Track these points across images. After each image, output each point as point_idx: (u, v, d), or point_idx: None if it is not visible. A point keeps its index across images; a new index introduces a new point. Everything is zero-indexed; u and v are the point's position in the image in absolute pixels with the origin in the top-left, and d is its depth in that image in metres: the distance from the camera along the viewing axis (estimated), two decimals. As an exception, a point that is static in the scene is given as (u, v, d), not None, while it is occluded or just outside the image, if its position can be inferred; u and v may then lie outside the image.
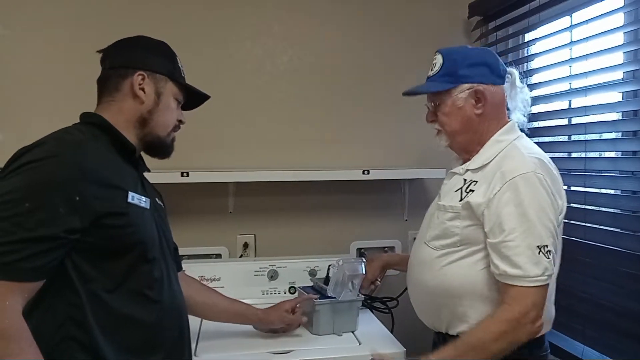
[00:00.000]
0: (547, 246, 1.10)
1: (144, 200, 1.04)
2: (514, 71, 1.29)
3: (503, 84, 1.27)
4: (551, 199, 1.12)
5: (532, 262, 1.09)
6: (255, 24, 1.97)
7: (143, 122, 1.09)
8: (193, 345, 1.36)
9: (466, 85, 1.23)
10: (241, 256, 1.96)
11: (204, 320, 1.44)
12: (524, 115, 1.31)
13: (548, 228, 1.11)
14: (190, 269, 1.72)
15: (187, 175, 1.79)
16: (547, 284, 1.11)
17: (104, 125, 1.05)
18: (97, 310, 0.95)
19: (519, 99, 1.29)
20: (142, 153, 1.16)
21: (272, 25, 1.99)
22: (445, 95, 1.25)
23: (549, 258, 1.09)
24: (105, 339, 0.95)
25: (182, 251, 1.84)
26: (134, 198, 1.01)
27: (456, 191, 1.24)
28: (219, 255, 1.94)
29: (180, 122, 1.17)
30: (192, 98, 1.20)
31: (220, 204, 1.97)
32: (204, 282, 1.73)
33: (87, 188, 0.92)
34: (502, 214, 1.12)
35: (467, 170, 1.25)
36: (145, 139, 1.11)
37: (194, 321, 1.53)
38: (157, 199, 1.17)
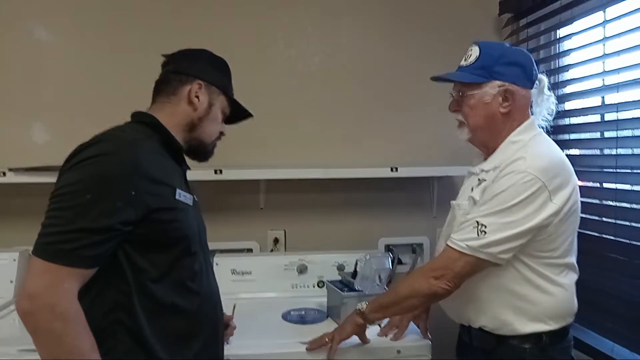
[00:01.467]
0: (485, 226, 1.14)
1: (189, 197, 1.10)
2: (544, 78, 1.29)
3: (532, 88, 1.27)
4: (530, 201, 1.13)
5: (464, 231, 1.17)
6: (288, 26, 2.02)
7: (192, 127, 1.16)
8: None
9: (498, 82, 1.23)
10: (272, 251, 2.02)
11: (237, 307, 1.49)
12: (546, 122, 1.31)
13: (502, 219, 1.14)
14: (223, 263, 1.81)
15: (221, 173, 1.85)
16: (469, 255, 1.15)
17: (156, 125, 1.11)
18: (143, 298, 1.00)
19: (544, 107, 1.30)
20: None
21: (305, 27, 2.04)
22: (475, 88, 1.24)
23: (479, 235, 1.14)
24: (149, 326, 1.00)
25: (214, 246, 1.94)
26: (181, 195, 1.07)
27: (471, 190, 1.26)
28: (250, 250, 2.00)
29: (222, 133, 1.25)
30: (235, 114, 1.28)
31: (251, 200, 2.04)
32: (237, 275, 1.79)
33: (142, 184, 0.97)
34: (483, 196, 1.19)
35: (482, 170, 1.27)
36: (190, 142, 1.18)
37: (228, 308, 1.61)
38: (194, 196, 1.23)
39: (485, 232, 1.14)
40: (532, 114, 1.29)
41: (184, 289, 1.07)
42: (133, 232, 0.97)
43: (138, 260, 1.00)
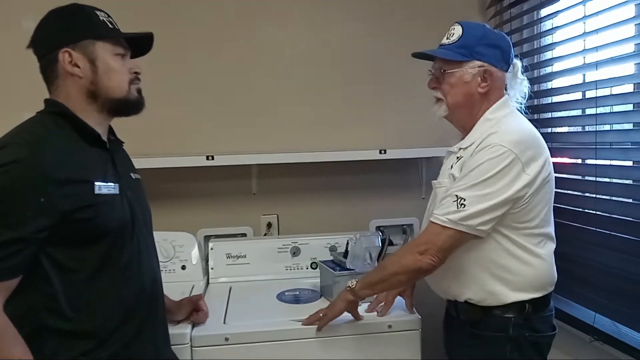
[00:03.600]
0: (464, 199, 1.18)
1: (112, 186, 1.05)
2: (518, 62, 1.34)
3: (507, 71, 1.31)
4: (505, 173, 1.17)
5: (444, 206, 1.21)
6: (274, 11, 2.03)
7: (93, 95, 1.05)
8: (223, 312, 1.48)
9: (478, 63, 1.26)
10: (265, 235, 2.06)
11: (232, 289, 1.53)
12: (519, 105, 1.35)
13: (480, 191, 1.18)
14: (218, 247, 1.85)
15: (212, 159, 1.88)
16: (450, 228, 1.19)
17: (66, 113, 1.04)
18: (71, 296, 0.99)
19: (517, 90, 1.34)
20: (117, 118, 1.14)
21: (293, 11, 2.05)
22: (455, 66, 1.27)
23: (459, 208, 1.18)
24: (77, 323, 1.00)
25: (209, 231, 1.99)
26: (101, 188, 1.02)
27: (450, 168, 1.30)
28: (244, 235, 2.04)
29: (136, 73, 1.11)
30: (140, 44, 1.14)
31: (244, 186, 2.07)
32: (232, 259, 1.84)
33: (51, 189, 0.94)
34: (461, 172, 1.23)
35: (460, 148, 1.31)
36: (106, 107, 1.07)
37: (224, 290, 1.67)
38: (131, 174, 1.18)
39: (464, 205, 1.18)
40: (506, 94, 1.33)
41: (115, 278, 1.05)
42: (53, 235, 0.95)
43: (63, 261, 0.98)
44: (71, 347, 1.00)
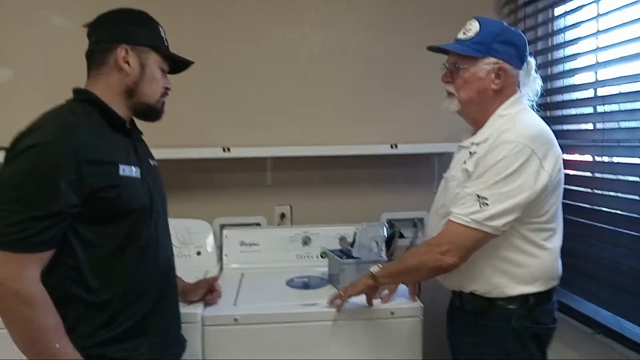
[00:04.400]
0: (486, 198, 1.19)
1: (135, 170, 1.12)
2: (532, 60, 1.34)
3: (521, 68, 1.32)
4: (524, 168, 1.18)
5: (465, 206, 1.21)
6: (293, 11, 2.10)
7: (130, 93, 1.15)
8: (234, 296, 1.55)
9: (493, 59, 1.28)
10: (278, 225, 2.12)
11: (244, 275, 1.60)
12: (531, 102, 1.37)
13: (501, 189, 1.18)
14: (232, 235, 1.92)
15: (229, 151, 1.95)
16: (474, 229, 1.19)
17: (94, 100, 1.12)
18: (95, 269, 1.06)
19: (530, 87, 1.35)
20: (136, 119, 1.24)
21: (309, 12, 2.11)
22: (471, 62, 1.28)
23: (482, 207, 1.18)
24: (101, 294, 1.07)
25: (224, 220, 2.06)
26: (125, 170, 1.09)
27: (464, 162, 1.31)
28: (258, 225, 2.10)
29: (167, 89, 1.22)
30: (178, 64, 1.25)
31: (259, 177, 2.13)
32: (245, 247, 1.91)
33: (81, 167, 1.01)
34: (477, 169, 1.23)
35: (473, 143, 1.32)
36: (135, 107, 1.17)
37: (237, 276, 1.74)
38: (150, 160, 1.25)
39: (487, 204, 1.18)
40: (519, 91, 1.34)
41: (134, 257, 1.12)
42: (81, 211, 1.02)
43: (87, 236, 1.05)
44: (92, 318, 1.07)
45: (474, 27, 1.30)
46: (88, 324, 1.07)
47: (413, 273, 1.33)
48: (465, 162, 1.31)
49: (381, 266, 1.38)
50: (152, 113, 1.21)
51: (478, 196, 1.20)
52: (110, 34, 1.15)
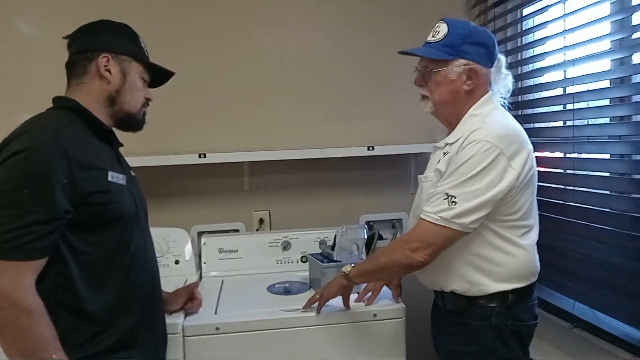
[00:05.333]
0: (454, 196, 1.21)
1: (122, 177, 1.13)
2: (502, 58, 1.37)
3: (492, 67, 1.35)
4: (492, 167, 1.20)
5: (435, 204, 1.23)
6: (266, 14, 2.09)
7: (112, 101, 1.16)
8: (214, 304, 1.53)
9: (463, 61, 1.29)
10: (257, 230, 2.10)
11: (224, 282, 1.57)
12: (504, 99, 1.39)
13: (469, 187, 1.20)
14: (210, 242, 1.90)
15: (205, 157, 1.93)
16: (443, 226, 1.21)
17: (78, 108, 1.12)
18: (85, 278, 1.05)
19: (501, 85, 1.37)
20: (115, 130, 1.23)
21: (282, 14, 2.10)
22: (441, 65, 1.30)
23: (450, 205, 1.21)
24: (90, 302, 1.05)
25: (202, 228, 2.03)
26: (113, 177, 1.10)
27: (437, 162, 1.34)
28: (236, 231, 2.08)
29: (148, 99, 1.24)
30: (158, 76, 1.27)
31: (236, 183, 2.12)
32: (224, 254, 1.88)
33: (72, 171, 1.00)
34: (448, 168, 1.26)
35: (447, 144, 1.34)
36: (116, 117, 1.18)
37: (216, 284, 1.73)
38: (131, 172, 1.25)
39: (455, 202, 1.20)
40: (490, 90, 1.37)
41: (124, 265, 1.12)
42: (71, 218, 1.01)
43: (77, 244, 1.04)
44: (83, 328, 1.05)
45: (442, 29, 1.31)
46: (79, 334, 1.05)
47: (385, 271, 1.34)
48: (438, 162, 1.33)
49: (353, 265, 1.39)
50: (134, 122, 1.21)
51: (447, 194, 1.22)
52: (91, 43, 1.15)
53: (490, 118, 1.29)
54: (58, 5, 1.95)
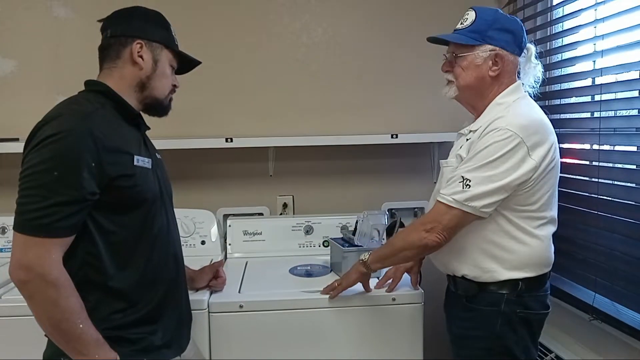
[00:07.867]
0: (469, 180, 1.23)
1: (147, 161, 1.17)
2: (532, 47, 1.36)
3: (520, 55, 1.35)
4: (510, 156, 1.21)
5: (451, 187, 1.25)
6: (293, 1, 2.11)
7: (142, 86, 1.19)
8: (238, 283, 1.59)
9: (489, 47, 1.30)
10: (281, 214, 2.15)
11: (248, 264, 1.62)
12: (533, 89, 1.39)
13: (485, 173, 1.22)
14: (235, 225, 1.95)
15: (231, 141, 1.97)
16: (455, 208, 1.24)
17: (109, 92, 1.16)
18: (112, 256, 1.10)
19: (531, 74, 1.37)
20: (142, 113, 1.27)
21: (309, 2, 2.12)
22: (467, 50, 1.32)
23: (464, 189, 1.23)
24: (117, 280, 1.10)
25: (228, 210, 2.09)
26: (139, 161, 1.14)
27: (459, 148, 1.35)
28: (260, 214, 2.14)
29: (175, 86, 1.27)
30: (185, 64, 1.30)
31: (261, 168, 2.17)
32: (248, 236, 1.94)
33: (100, 155, 1.04)
34: (469, 154, 1.27)
35: (470, 131, 1.35)
36: (144, 101, 1.22)
37: (241, 265, 1.78)
38: (157, 154, 1.29)
39: (469, 186, 1.22)
40: (519, 79, 1.37)
41: (148, 245, 1.16)
42: (98, 199, 1.06)
43: (105, 224, 1.09)
44: (109, 303, 1.11)
45: (470, 17, 1.33)
46: (105, 308, 1.11)
47: (401, 253, 1.35)
48: (460, 148, 1.35)
49: (370, 252, 1.42)
50: (160, 108, 1.25)
51: (463, 177, 1.24)
52: (125, 28, 1.18)
53: (515, 107, 1.29)
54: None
